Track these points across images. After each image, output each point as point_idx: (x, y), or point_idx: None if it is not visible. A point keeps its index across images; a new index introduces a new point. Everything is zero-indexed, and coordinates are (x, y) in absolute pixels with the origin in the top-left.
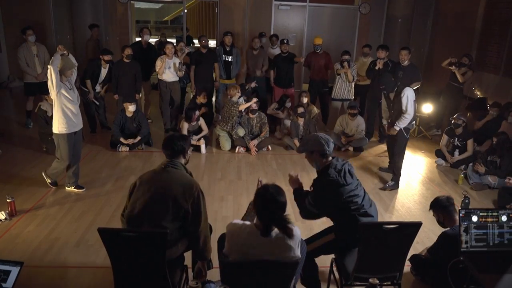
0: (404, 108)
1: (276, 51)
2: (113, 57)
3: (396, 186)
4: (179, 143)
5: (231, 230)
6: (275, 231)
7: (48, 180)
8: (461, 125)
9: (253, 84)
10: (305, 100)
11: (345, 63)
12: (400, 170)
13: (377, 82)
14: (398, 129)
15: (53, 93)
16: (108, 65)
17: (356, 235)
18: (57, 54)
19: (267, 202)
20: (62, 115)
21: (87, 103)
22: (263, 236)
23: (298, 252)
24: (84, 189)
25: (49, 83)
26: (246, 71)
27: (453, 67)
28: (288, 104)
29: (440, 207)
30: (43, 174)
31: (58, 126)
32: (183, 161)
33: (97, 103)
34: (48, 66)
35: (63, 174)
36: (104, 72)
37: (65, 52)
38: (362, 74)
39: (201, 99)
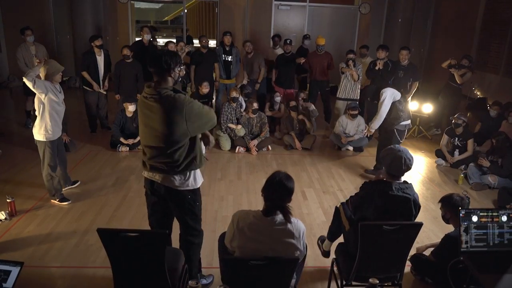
0: (379, 107)
1: (279, 51)
2: (113, 58)
3: None
4: (165, 58)
5: (238, 213)
6: (280, 217)
7: (57, 200)
8: (461, 125)
9: (244, 81)
10: (303, 97)
11: (350, 62)
12: None
13: (379, 83)
14: (372, 130)
15: (42, 96)
16: (102, 51)
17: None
18: (36, 67)
19: (275, 186)
20: (50, 121)
21: (87, 103)
22: (265, 216)
23: (300, 244)
24: (70, 202)
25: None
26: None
27: (453, 69)
28: (277, 99)
29: (451, 206)
30: (52, 202)
31: (44, 134)
32: (169, 80)
33: (104, 92)
34: (23, 79)
35: (60, 182)
36: (100, 60)
37: (40, 61)
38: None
39: (203, 89)
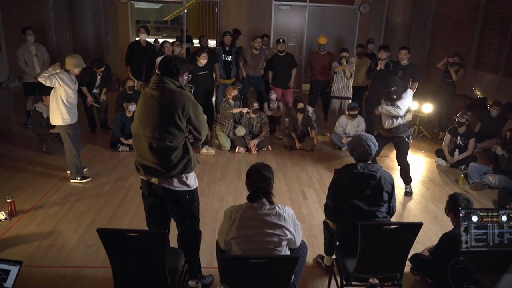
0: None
1: (269, 51)
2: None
3: None
4: (175, 62)
5: (230, 208)
6: (267, 205)
7: (78, 178)
8: (464, 124)
9: (239, 85)
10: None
11: (343, 60)
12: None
13: (380, 83)
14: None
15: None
16: (102, 72)
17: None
18: (53, 70)
19: (253, 172)
20: (64, 108)
21: (85, 103)
22: (251, 202)
23: (291, 226)
24: (90, 179)
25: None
26: (243, 69)
27: (453, 67)
28: (273, 97)
29: (455, 205)
30: (72, 181)
31: (61, 118)
32: (176, 83)
33: (98, 105)
34: (42, 81)
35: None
36: (99, 77)
37: (57, 69)
38: (357, 76)
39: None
